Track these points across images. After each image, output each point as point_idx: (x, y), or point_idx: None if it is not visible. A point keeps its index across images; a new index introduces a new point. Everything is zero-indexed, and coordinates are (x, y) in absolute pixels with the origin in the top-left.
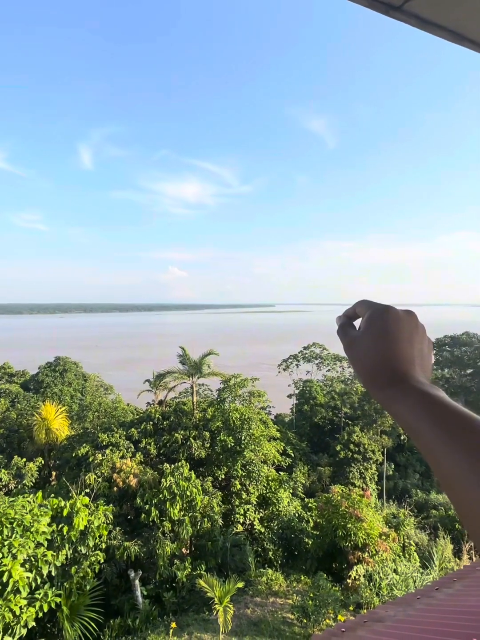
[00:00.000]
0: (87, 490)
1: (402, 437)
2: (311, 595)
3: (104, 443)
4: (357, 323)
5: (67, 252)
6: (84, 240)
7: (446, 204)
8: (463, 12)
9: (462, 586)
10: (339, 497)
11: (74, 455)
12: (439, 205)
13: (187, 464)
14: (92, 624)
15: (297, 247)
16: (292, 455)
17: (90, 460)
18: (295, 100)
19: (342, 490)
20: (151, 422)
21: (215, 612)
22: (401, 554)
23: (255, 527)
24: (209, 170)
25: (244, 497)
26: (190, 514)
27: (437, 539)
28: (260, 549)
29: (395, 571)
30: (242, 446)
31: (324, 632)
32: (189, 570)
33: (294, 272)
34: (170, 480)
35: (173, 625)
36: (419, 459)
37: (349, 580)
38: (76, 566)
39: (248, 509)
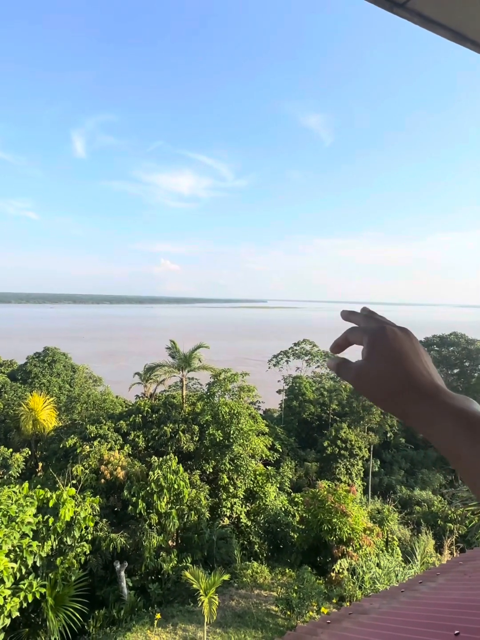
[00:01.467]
0: (74, 482)
1: (388, 435)
2: (295, 588)
3: (92, 435)
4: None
5: (58, 242)
6: (76, 229)
7: (438, 205)
8: (466, 12)
9: (445, 580)
10: (325, 492)
11: (61, 446)
12: (432, 205)
13: (176, 457)
14: (77, 614)
15: (290, 243)
16: (280, 450)
17: (78, 451)
18: (293, 96)
19: (328, 485)
20: (140, 415)
21: (200, 604)
22: (384, 548)
23: (241, 520)
24: (204, 162)
25: (231, 490)
26: (177, 507)
27: (420, 535)
28: (246, 542)
29: (378, 565)
30: (231, 440)
31: (308, 623)
32: (175, 562)
33: (287, 269)
34: (158, 473)
35: (158, 616)
36: (404, 456)
37: (332, 574)
38: (62, 557)
39: (235, 503)
